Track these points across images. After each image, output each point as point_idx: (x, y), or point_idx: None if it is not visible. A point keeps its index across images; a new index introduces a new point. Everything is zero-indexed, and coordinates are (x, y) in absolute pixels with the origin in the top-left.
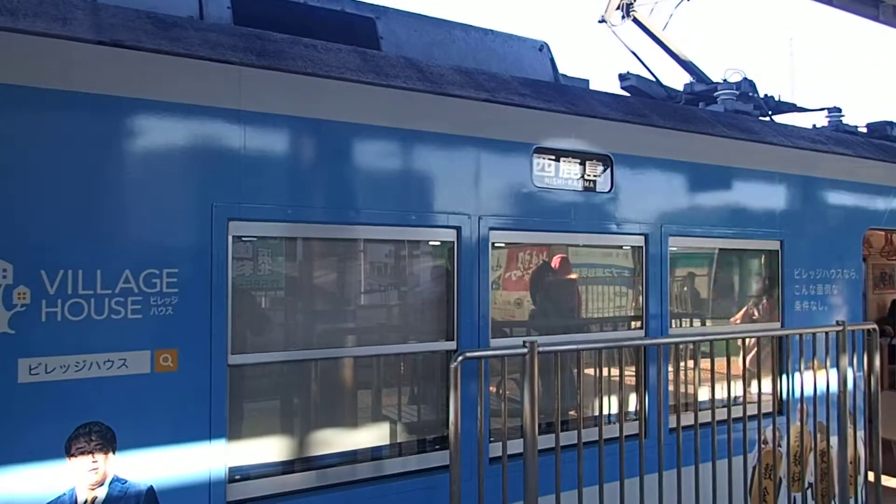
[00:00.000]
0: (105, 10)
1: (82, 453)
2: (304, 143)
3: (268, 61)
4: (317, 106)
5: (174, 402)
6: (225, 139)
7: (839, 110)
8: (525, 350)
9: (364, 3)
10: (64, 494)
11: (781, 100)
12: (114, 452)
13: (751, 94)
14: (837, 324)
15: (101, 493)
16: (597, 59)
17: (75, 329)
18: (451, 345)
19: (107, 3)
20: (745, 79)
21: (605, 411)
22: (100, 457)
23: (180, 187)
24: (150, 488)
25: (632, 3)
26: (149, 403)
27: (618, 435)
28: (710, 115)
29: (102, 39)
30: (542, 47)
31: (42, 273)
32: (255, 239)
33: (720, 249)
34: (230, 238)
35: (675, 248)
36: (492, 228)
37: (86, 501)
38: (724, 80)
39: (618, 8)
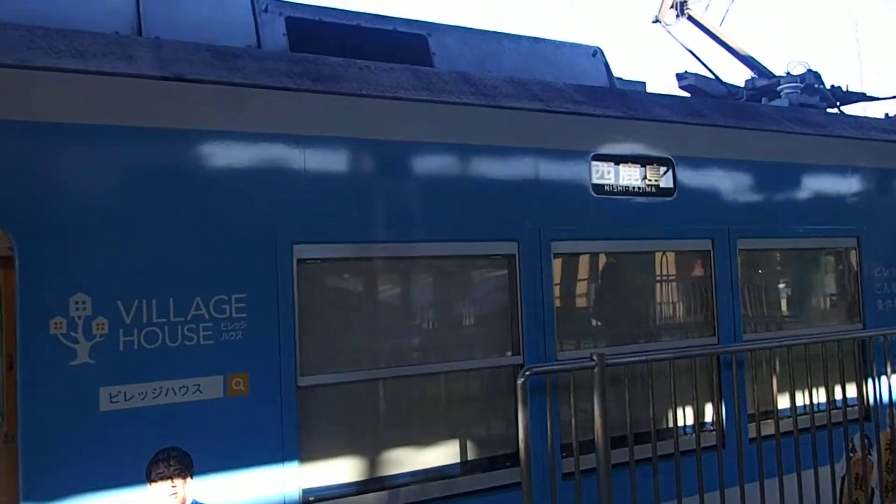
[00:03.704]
0: (168, 46)
1: (162, 478)
2: (362, 163)
3: (324, 85)
4: (373, 126)
5: (247, 426)
6: (286, 164)
7: None
8: (593, 363)
9: (415, 20)
10: None
11: (849, 89)
12: (191, 477)
13: (816, 85)
14: None
15: None
16: (653, 59)
17: (151, 357)
18: (518, 359)
19: (169, 40)
20: (810, 70)
21: (680, 422)
22: (178, 481)
23: (245, 214)
24: None
25: (686, 2)
26: (223, 427)
27: (694, 447)
28: (774, 111)
29: (166, 75)
30: (596, 52)
31: (118, 304)
32: (319, 261)
33: (793, 249)
34: (295, 261)
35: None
36: (553, 239)
37: None
38: (788, 73)
39: (672, 7)
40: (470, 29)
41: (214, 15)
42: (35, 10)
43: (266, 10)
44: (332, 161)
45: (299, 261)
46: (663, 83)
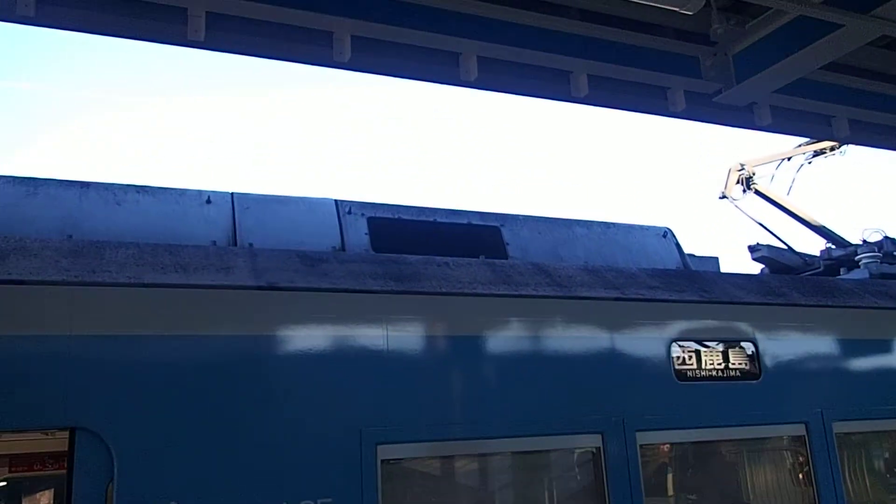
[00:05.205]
0: (261, 255)
1: None
2: (445, 361)
3: (406, 285)
4: (454, 323)
5: None
6: (370, 365)
7: None
8: None
9: (488, 213)
10: None
11: None
12: None
13: (895, 253)
14: None
15: None
16: (723, 229)
17: None
18: None
19: (262, 248)
20: (887, 237)
21: None
22: None
23: (331, 417)
24: None
25: (751, 177)
26: None
27: None
28: (856, 285)
29: (260, 284)
30: (666, 233)
31: None
32: (403, 460)
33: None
34: (379, 462)
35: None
36: (638, 430)
37: None
38: (864, 241)
39: (737, 183)
40: (541, 218)
41: (302, 219)
42: (143, 225)
43: (349, 212)
44: (415, 359)
45: (383, 461)
46: (736, 255)
